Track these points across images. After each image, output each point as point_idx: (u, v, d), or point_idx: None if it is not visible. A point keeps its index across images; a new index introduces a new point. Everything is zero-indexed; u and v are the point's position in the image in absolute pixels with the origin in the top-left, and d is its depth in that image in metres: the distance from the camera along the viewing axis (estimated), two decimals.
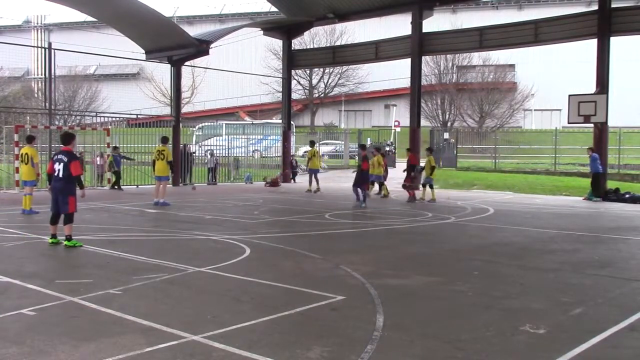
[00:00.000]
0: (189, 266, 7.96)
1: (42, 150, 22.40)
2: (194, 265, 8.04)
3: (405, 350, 4.85)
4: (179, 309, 5.98)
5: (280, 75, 32.30)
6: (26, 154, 14.18)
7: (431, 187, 18.95)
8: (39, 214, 13.40)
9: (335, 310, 5.99)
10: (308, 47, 46.76)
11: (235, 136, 31.89)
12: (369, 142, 37.41)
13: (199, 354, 4.67)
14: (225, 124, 35.99)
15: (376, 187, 20.62)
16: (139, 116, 29.79)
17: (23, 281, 7.04)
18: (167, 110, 33.38)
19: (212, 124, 37.63)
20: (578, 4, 50.76)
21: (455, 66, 55.04)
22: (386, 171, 21.72)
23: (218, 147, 28.97)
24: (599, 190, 19.84)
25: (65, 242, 9.38)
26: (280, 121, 31.69)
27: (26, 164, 14.10)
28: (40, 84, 50.88)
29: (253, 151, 34.01)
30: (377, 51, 26.44)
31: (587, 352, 4.88)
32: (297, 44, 40.64)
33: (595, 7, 21.00)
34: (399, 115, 48.51)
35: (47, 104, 23.32)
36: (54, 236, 9.65)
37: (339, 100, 62.19)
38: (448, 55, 51.01)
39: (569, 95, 20.55)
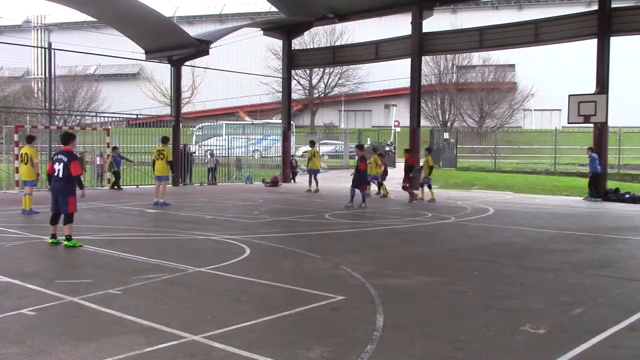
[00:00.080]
0: (189, 266, 7.96)
1: (42, 150, 22.40)
2: (194, 265, 8.03)
3: (405, 350, 4.85)
4: (179, 309, 5.98)
5: (280, 75, 32.30)
6: (25, 153, 14.18)
7: (429, 187, 18.96)
8: (39, 214, 13.40)
9: (335, 310, 5.99)
10: (308, 47, 46.75)
11: (235, 136, 31.89)
12: (369, 142, 37.41)
13: (199, 354, 4.67)
14: (225, 124, 35.97)
15: (374, 187, 20.63)
16: (139, 116, 29.78)
17: (23, 281, 7.04)
18: (167, 110, 33.37)
19: (212, 124, 37.61)
20: (578, 4, 50.75)
21: (455, 66, 55.01)
22: (386, 172, 21.75)
23: (218, 147, 28.98)
24: (599, 190, 19.84)
25: (65, 242, 9.38)
26: (280, 121, 31.69)
27: (26, 164, 14.10)
28: (40, 84, 50.89)
29: (253, 151, 34.01)
30: (377, 51, 26.44)
31: (587, 352, 4.88)
32: (297, 44, 40.62)
33: (595, 7, 21.00)
34: (399, 115, 48.51)
35: (47, 104, 23.32)
36: (54, 236, 9.65)
37: (339, 100, 62.19)
38: (448, 55, 50.99)
39: (569, 95, 20.56)
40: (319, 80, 61.98)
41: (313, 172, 22.11)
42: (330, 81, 61.85)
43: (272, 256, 9.14)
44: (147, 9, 22.34)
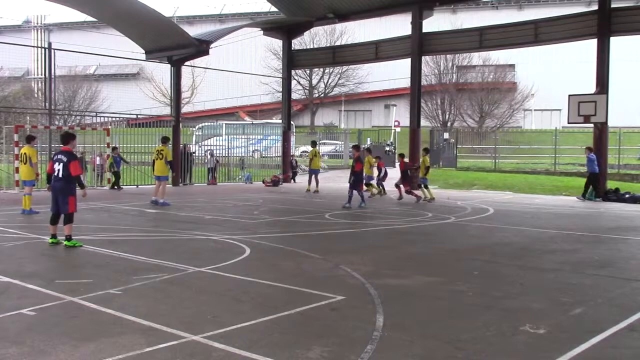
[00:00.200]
0: (189, 266, 7.96)
1: (42, 150, 22.43)
2: (194, 265, 8.03)
3: (405, 350, 4.85)
4: (179, 309, 5.98)
5: (280, 75, 32.31)
6: (25, 153, 14.20)
7: (426, 187, 18.97)
8: (39, 214, 13.41)
9: (335, 310, 5.99)
10: (308, 47, 46.77)
11: (235, 136, 31.90)
12: (369, 142, 37.43)
13: (199, 354, 4.67)
14: (225, 124, 35.98)
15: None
16: (138, 116, 29.80)
17: (23, 281, 7.04)
18: (167, 110, 33.41)
19: (212, 124, 37.62)
20: (578, 4, 50.80)
21: (455, 66, 55.04)
22: (386, 173, 21.76)
23: (218, 147, 28.99)
24: (598, 190, 19.82)
25: (65, 242, 9.38)
26: (280, 121, 31.70)
27: (25, 163, 14.11)
28: (40, 84, 50.93)
29: (253, 151, 34.02)
30: (377, 51, 26.45)
31: (587, 352, 4.88)
32: (297, 44, 40.62)
33: (595, 7, 21.00)
34: (399, 115, 48.55)
35: (47, 104, 23.34)
36: (53, 236, 9.65)
37: (339, 100, 62.21)
38: (448, 55, 51.01)
39: (569, 95, 20.56)
40: (319, 80, 62.00)
41: (314, 172, 22.14)
42: (330, 81, 61.88)
43: (272, 256, 9.14)
44: (147, 9, 22.35)
